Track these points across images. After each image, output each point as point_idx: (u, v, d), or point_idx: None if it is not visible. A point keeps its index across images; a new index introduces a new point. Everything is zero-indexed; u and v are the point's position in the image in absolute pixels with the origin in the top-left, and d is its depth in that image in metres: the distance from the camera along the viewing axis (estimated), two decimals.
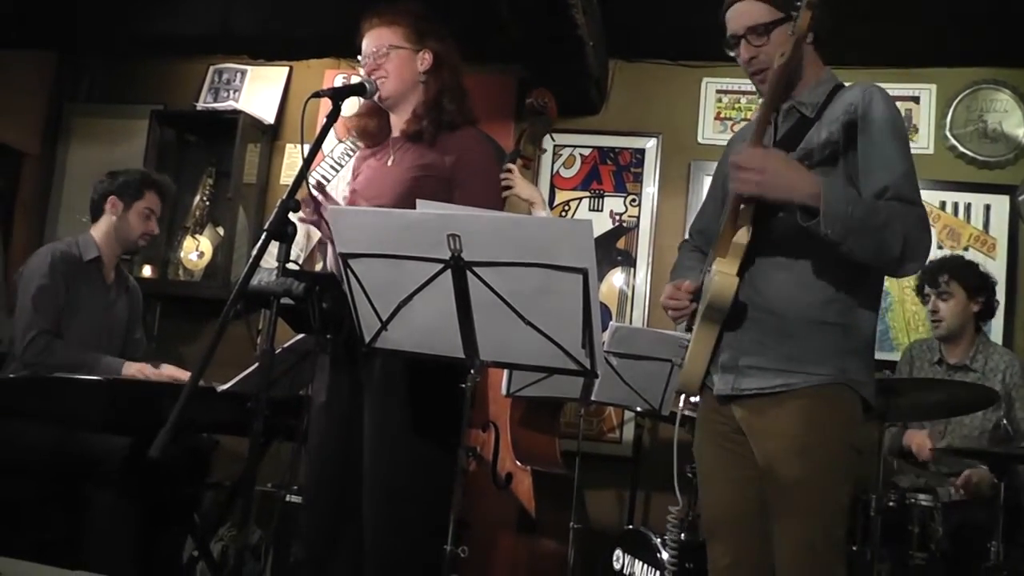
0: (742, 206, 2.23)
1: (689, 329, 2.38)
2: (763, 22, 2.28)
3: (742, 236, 2.23)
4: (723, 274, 2.22)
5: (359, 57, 2.76)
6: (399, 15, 2.74)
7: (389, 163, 2.74)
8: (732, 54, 2.37)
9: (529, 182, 3.61)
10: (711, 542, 2.43)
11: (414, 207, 2.21)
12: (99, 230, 3.83)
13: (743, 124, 4.80)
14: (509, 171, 3.56)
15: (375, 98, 2.72)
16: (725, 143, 4.73)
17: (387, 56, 2.70)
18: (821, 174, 2.20)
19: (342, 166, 5.07)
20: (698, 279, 2.42)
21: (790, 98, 2.36)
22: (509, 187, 3.53)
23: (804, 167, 2.19)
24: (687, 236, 2.71)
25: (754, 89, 4.71)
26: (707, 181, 4.69)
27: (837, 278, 2.22)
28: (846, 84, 2.36)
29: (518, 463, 3.75)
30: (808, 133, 2.29)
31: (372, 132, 2.81)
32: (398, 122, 2.78)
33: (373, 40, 2.73)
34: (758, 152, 2.17)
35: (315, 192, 2.57)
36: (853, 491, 2.37)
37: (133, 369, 3.56)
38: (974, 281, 3.74)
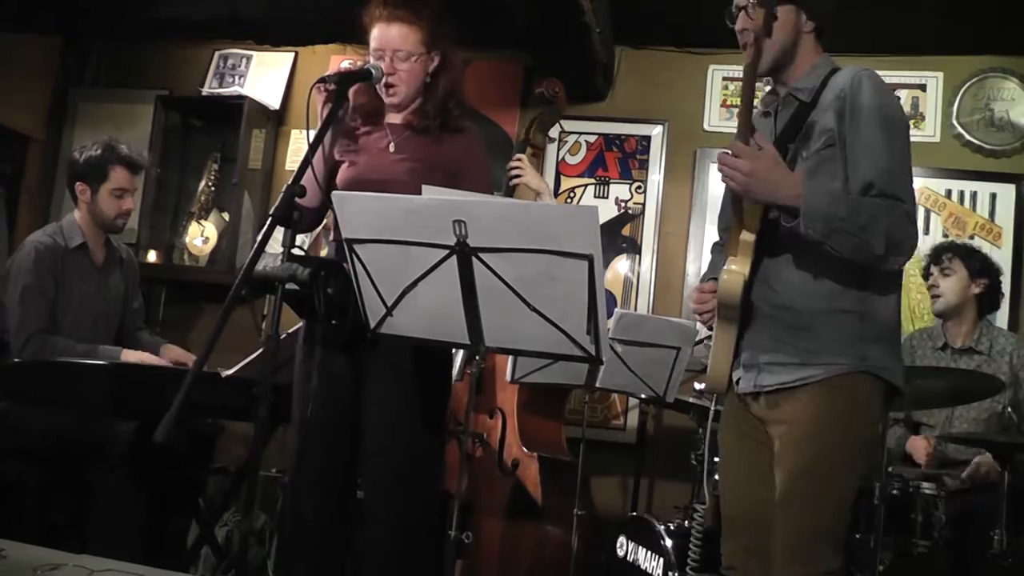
0: (744, 204, 2.22)
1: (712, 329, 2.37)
2: None
3: (749, 234, 2.23)
4: (730, 272, 2.23)
5: (372, 49, 2.73)
6: (421, 17, 2.74)
7: (391, 149, 2.75)
8: (731, 25, 2.34)
9: (537, 172, 3.61)
10: (724, 534, 2.43)
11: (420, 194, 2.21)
12: (80, 214, 3.74)
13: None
14: (519, 160, 3.56)
15: (379, 86, 2.72)
16: (731, 130, 4.80)
17: (406, 62, 2.71)
18: (820, 163, 2.20)
19: None
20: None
21: (785, 85, 2.36)
22: (518, 176, 3.53)
23: (788, 167, 2.16)
24: (718, 236, 2.67)
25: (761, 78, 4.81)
26: (713, 168, 4.76)
27: (848, 267, 2.19)
28: (841, 68, 2.33)
29: (525, 449, 3.76)
30: (807, 121, 2.27)
31: (368, 111, 2.81)
32: (399, 112, 2.80)
33: (394, 38, 2.71)
34: (747, 151, 2.13)
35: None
36: (859, 484, 2.33)
37: (133, 357, 3.54)
38: (977, 263, 3.79)
